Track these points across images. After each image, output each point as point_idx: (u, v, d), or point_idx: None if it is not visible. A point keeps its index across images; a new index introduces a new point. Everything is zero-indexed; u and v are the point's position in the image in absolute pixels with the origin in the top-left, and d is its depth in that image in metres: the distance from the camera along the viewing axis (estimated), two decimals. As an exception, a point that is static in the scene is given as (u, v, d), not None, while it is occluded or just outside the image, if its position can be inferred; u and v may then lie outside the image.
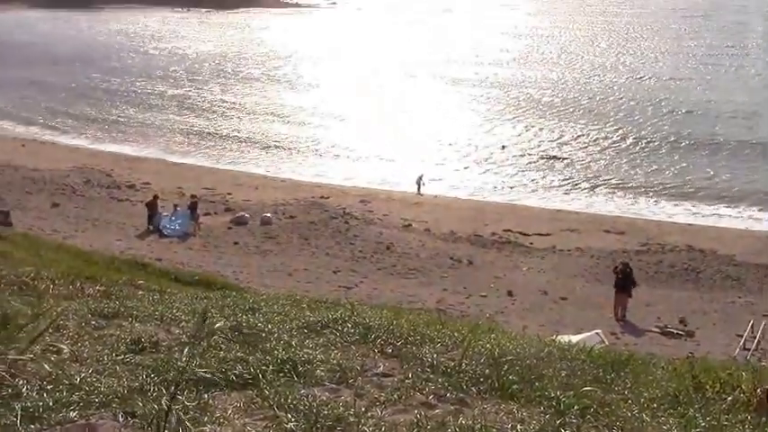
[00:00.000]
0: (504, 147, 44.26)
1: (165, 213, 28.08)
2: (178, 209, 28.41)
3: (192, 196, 30.18)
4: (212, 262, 24.05)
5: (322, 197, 33.09)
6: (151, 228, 27.60)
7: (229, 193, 33.35)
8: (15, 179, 33.63)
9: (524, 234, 28.94)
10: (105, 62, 76.22)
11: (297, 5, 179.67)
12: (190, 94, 61.18)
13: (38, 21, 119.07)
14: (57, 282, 5.98)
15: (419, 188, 35.63)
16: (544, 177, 38.79)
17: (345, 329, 4.10)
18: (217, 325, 3.86)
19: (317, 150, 44.73)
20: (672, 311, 21.03)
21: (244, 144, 46.19)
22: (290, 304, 5.37)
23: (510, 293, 22.55)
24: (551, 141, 45.39)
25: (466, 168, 40.62)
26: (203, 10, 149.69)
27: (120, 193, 32.69)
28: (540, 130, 48.12)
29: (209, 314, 4.17)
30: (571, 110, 52.79)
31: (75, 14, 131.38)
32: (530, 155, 42.70)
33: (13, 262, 11.10)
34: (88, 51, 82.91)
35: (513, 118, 51.71)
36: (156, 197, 28.70)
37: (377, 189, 36.52)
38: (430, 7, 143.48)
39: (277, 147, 45.64)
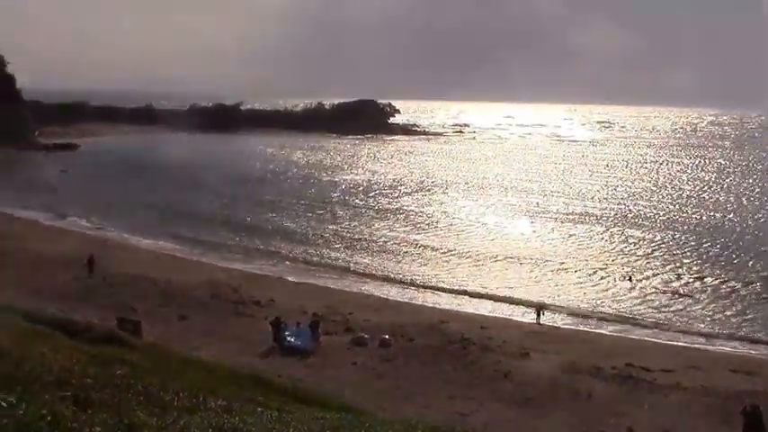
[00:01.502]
0: (630, 278, 43.15)
1: (287, 331, 28.57)
2: (300, 325, 28.92)
3: (314, 315, 30.68)
4: (330, 381, 24.00)
5: (441, 321, 32.77)
6: (274, 345, 28.11)
7: (350, 313, 33.62)
8: (148, 290, 35.43)
9: (647, 369, 27.39)
10: (236, 187, 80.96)
11: (424, 133, 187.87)
12: (318, 219, 63.52)
13: (186, 143, 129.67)
14: (181, 394, 6.10)
15: (539, 317, 34.87)
16: (667, 312, 37.37)
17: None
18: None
19: (437, 276, 44.78)
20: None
21: (368, 266, 46.96)
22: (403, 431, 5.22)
23: (631, 431, 21.17)
24: (675, 276, 44.35)
25: (587, 298, 39.57)
26: (349, 136, 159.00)
27: (246, 309, 33.63)
28: (665, 265, 47.00)
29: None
30: (697, 248, 51.87)
31: (222, 138, 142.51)
32: (654, 288, 41.42)
33: (140, 372, 11.50)
34: (228, 174, 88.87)
35: (636, 250, 51.27)
36: (278, 318, 29.29)
37: (496, 316, 36.18)
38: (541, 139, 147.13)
39: (400, 273, 46.08)
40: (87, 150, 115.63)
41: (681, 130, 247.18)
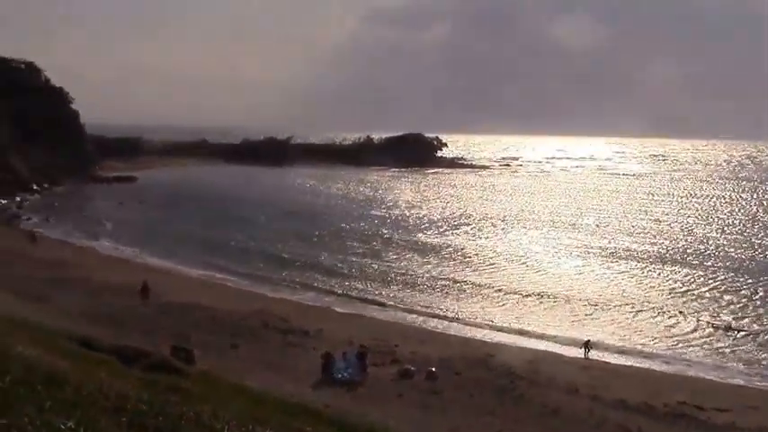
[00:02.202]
0: (681, 311, 42.41)
1: (338, 365, 28.75)
2: (346, 355, 29.10)
3: (362, 346, 30.88)
4: (376, 412, 24.08)
5: (488, 355, 32.62)
6: (324, 377, 28.33)
7: (396, 345, 33.70)
8: (200, 319, 36.15)
9: (700, 408, 26.78)
10: (285, 220, 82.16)
11: (471, 166, 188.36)
12: (365, 253, 63.98)
13: (238, 175, 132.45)
14: (231, 423, 6.39)
15: (587, 352, 34.42)
16: (722, 348, 36.59)
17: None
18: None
19: (483, 311, 44.66)
20: None
21: (415, 300, 47.04)
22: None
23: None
24: (728, 311, 43.49)
25: (637, 333, 38.94)
26: (393, 169, 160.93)
27: (295, 339, 34.00)
28: (716, 300, 46.31)
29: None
30: (753, 284, 50.75)
31: (273, 171, 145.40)
32: (706, 324, 40.73)
33: (193, 400, 11.84)
34: (278, 206, 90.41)
35: (687, 286, 50.51)
36: (329, 353, 29.45)
37: (544, 350, 35.83)
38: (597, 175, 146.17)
39: (446, 307, 46.08)
40: (145, 183, 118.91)
41: (736, 164, 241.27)
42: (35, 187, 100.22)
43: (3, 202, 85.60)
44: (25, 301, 34.74)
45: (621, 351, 36.18)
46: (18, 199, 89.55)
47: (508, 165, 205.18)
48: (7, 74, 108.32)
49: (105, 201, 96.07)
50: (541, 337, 38.78)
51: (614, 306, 44.76)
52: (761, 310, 43.40)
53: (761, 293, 47.59)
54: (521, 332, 39.58)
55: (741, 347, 36.75)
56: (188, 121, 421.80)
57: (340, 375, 28.07)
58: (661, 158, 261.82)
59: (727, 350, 36.39)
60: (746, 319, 41.60)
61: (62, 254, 54.57)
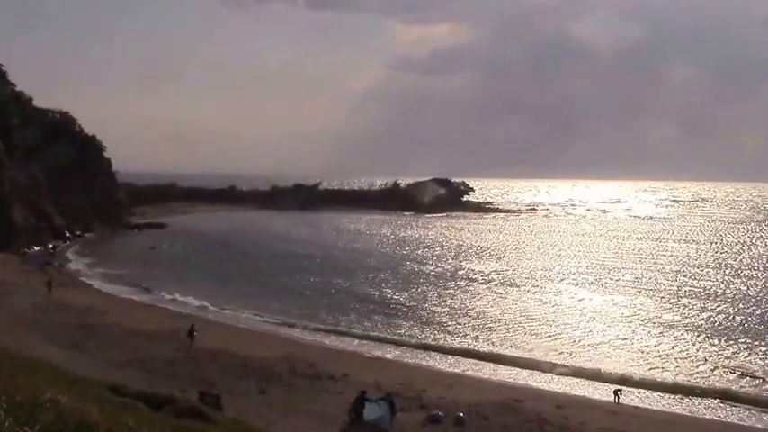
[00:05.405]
0: (706, 356, 42.05)
1: (368, 404, 28.43)
2: (369, 398, 28.66)
3: (387, 394, 30.59)
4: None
5: (516, 400, 32.24)
6: (352, 416, 27.97)
7: (424, 390, 33.47)
8: (228, 365, 36.26)
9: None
10: (310, 263, 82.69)
11: (497, 210, 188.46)
12: (393, 296, 64.09)
13: (267, 221, 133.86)
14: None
15: (617, 398, 33.98)
16: (747, 392, 36.02)
17: None
18: None
19: (511, 350, 44.41)
20: None
21: (444, 341, 46.85)
22: None
23: None
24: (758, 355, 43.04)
25: (665, 380, 38.28)
26: (409, 213, 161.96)
27: (322, 384, 33.97)
28: (742, 342, 45.77)
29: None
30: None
31: (301, 216, 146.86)
32: (732, 368, 40.15)
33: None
34: (305, 251, 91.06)
35: (726, 327, 50.01)
36: (363, 391, 29.18)
37: (574, 395, 35.42)
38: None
39: (475, 348, 45.86)
40: (174, 229, 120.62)
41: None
42: (68, 234, 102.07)
43: (36, 249, 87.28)
44: (56, 347, 35.22)
45: (651, 396, 35.71)
46: (51, 246, 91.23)
47: (534, 209, 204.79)
48: (44, 123, 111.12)
49: (136, 247, 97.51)
50: (574, 374, 38.79)
51: (643, 351, 44.37)
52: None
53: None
54: (550, 368, 39.66)
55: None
56: (218, 169, 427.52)
57: (371, 419, 27.70)
58: (692, 202, 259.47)
59: (757, 392, 35.70)
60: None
61: (92, 299, 55.28)
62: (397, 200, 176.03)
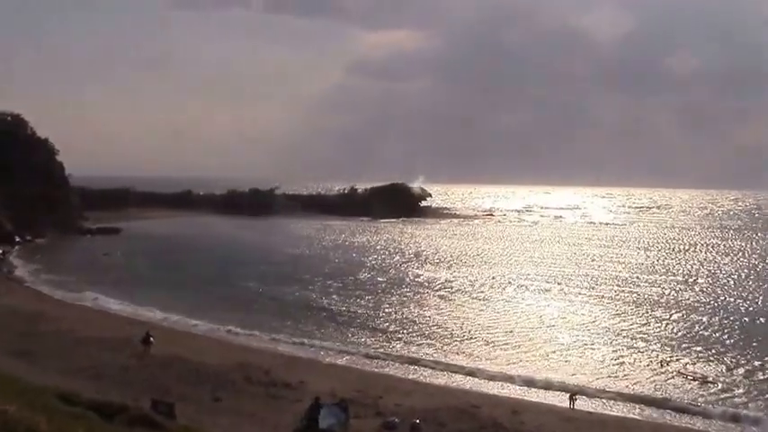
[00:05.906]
0: (663, 360, 42.86)
1: (322, 411, 28.25)
2: (323, 404, 28.51)
3: (342, 400, 30.47)
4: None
5: (473, 406, 32.44)
6: (306, 423, 27.74)
7: (380, 397, 33.47)
8: (182, 372, 35.77)
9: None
10: (268, 268, 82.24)
11: (455, 216, 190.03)
12: (349, 303, 64.03)
13: (221, 226, 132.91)
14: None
15: (572, 403, 34.42)
16: (702, 397, 36.85)
17: None
18: None
19: (468, 359, 44.64)
20: None
21: (400, 349, 46.94)
22: None
23: None
24: (707, 359, 44.06)
25: (619, 386, 38.81)
26: (367, 219, 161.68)
27: (277, 391, 33.72)
28: (700, 348, 46.79)
29: None
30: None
31: (257, 221, 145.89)
32: (685, 371, 40.97)
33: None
34: (261, 256, 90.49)
35: (676, 331, 51.06)
36: (318, 398, 29.03)
37: (530, 400, 35.72)
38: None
39: (431, 356, 45.98)
40: (129, 234, 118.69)
41: (731, 214, 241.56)
42: (17, 239, 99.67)
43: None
44: (3, 356, 34.32)
45: (607, 398, 36.24)
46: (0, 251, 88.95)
47: (491, 214, 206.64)
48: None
49: (89, 252, 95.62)
50: (528, 383, 38.91)
51: (596, 352, 45.39)
52: (742, 361, 43.54)
53: (742, 344, 47.86)
54: (506, 378, 39.70)
55: (721, 397, 36.72)
56: (173, 173, 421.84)
57: (326, 425, 27.58)
58: (646, 208, 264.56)
59: (708, 400, 36.37)
60: (725, 370, 41.78)
61: (42, 306, 54.08)
62: (354, 205, 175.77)
